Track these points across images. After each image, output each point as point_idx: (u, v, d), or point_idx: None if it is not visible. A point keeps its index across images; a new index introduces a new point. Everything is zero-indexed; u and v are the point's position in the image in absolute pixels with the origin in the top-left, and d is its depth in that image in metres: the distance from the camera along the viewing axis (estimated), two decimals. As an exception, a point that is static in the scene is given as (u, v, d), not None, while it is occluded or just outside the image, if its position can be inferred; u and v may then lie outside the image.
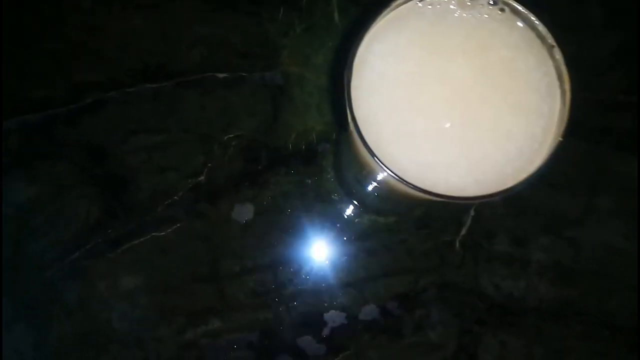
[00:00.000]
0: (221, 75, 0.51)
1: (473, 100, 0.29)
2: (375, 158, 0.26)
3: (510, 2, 0.28)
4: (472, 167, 0.28)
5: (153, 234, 0.49)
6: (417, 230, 0.49)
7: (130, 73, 0.50)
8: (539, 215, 0.49)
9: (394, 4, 0.28)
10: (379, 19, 0.28)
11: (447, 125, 0.28)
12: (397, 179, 0.26)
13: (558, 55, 0.28)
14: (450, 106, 0.29)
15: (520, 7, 0.28)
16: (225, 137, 0.50)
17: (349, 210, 0.49)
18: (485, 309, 0.47)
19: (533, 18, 0.28)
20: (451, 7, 0.29)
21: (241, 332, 0.47)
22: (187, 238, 0.48)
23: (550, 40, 0.28)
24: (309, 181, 0.50)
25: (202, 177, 0.49)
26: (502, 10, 0.29)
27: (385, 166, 0.26)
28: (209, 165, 0.49)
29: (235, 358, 0.46)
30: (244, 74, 0.51)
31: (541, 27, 0.28)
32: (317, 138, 0.50)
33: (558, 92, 0.29)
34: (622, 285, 0.47)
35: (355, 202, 0.49)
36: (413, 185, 0.26)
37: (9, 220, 0.47)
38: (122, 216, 0.49)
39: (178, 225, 0.49)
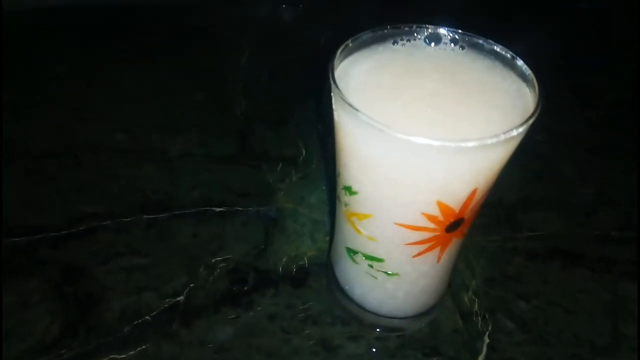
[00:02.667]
0: (218, 209, 0.52)
1: (449, 101, 0.31)
2: (360, 113, 0.26)
3: (469, 38, 0.33)
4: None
5: (112, 356, 0.41)
6: (425, 357, 0.42)
7: (129, 206, 0.52)
8: (562, 344, 0.43)
9: (369, 38, 0.33)
10: (356, 52, 0.33)
11: (429, 110, 0.30)
12: (378, 126, 0.26)
13: (519, 62, 0.31)
14: (428, 103, 0.30)
15: (480, 41, 0.33)
16: (213, 260, 0.48)
17: (344, 334, 0.42)
18: None
19: (495, 48, 0.33)
20: (420, 45, 0.34)
21: None
22: (150, 361, 0.41)
23: (510, 53, 0.32)
24: (299, 303, 0.45)
25: (181, 297, 0.45)
26: (462, 47, 0.34)
27: (366, 115, 0.26)
28: (191, 285, 0.46)
29: None
30: (240, 209, 0.53)
31: (498, 48, 0.32)
32: (308, 262, 0.48)
33: (528, 93, 0.31)
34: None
35: (350, 323, 0.43)
36: (397, 133, 0.25)
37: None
38: (83, 335, 0.42)
39: (143, 347, 0.42)
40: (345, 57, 0.32)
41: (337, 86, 0.28)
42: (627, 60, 0.76)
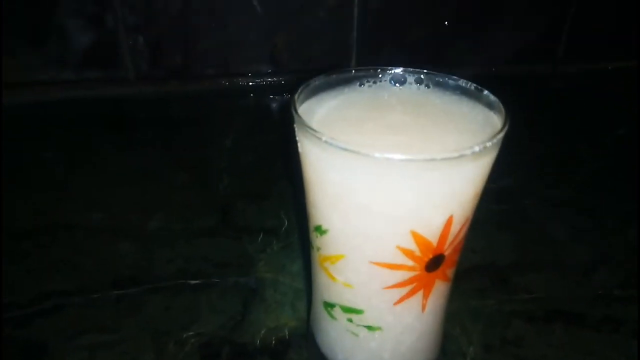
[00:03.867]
0: (193, 282, 0.49)
1: (418, 129, 0.30)
2: (320, 133, 0.26)
3: (433, 77, 0.34)
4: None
5: None
6: None
7: (100, 282, 0.49)
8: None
9: (334, 80, 0.33)
10: (322, 92, 0.33)
11: (397, 137, 0.29)
12: (340, 145, 0.25)
13: (485, 92, 0.31)
14: (396, 132, 0.30)
15: (446, 78, 0.33)
16: (185, 335, 0.44)
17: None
18: None
19: (460, 83, 0.33)
20: (386, 85, 0.34)
21: None
22: None
23: (475, 85, 0.32)
24: (277, 377, 0.40)
25: (146, 376, 0.41)
26: (427, 86, 0.34)
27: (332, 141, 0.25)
28: (159, 363, 0.42)
29: None
30: (217, 280, 0.50)
31: (464, 83, 0.33)
32: (289, 333, 0.44)
33: (496, 119, 0.30)
34: None
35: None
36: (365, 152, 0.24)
37: None
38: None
39: None
40: (310, 96, 0.32)
41: (297, 114, 0.28)
42: (607, 128, 0.78)
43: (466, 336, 0.43)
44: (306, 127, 0.27)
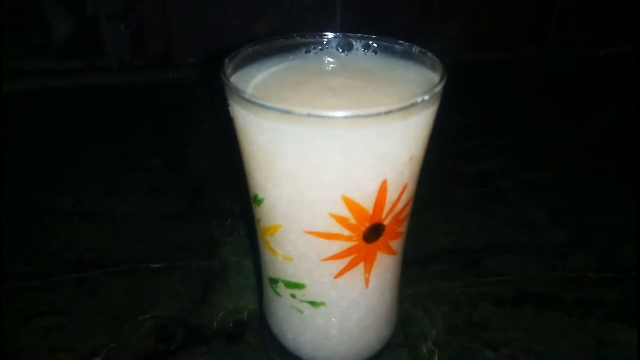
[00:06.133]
0: (155, 266, 0.48)
1: (356, 91, 0.29)
2: (245, 93, 0.24)
3: (380, 43, 0.32)
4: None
5: None
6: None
7: (61, 265, 0.48)
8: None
9: (279, 46, 0.32)
10: (264, 59, 0.32)
11: (334, 99, 0.27)
12: (261, 104, 0.24)
13: (429, 55, 0.30)
14: (334, 94, 0.28)
15: (392, 44, 0.32)
16: (141, 318, 0.43)
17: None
18: None
19: (407, 49, 0.31)
20: (333, 52, 0.33)
21: None
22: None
23: (419, 49, 0.30)
24: (230, 360, 0.39)
25: (98, 358, 0.40)
26: (375, 52, 0.33)
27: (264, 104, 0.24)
28: (112, 345, 0.41)
29: None
30: (180, 264, 0.48)
31: (410, 47, 0.31)
32: (248, 316, 0.43)
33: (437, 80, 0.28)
34: None
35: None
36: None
37: None
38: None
39: (44, 414, 0.36)
40: (251, 62, 0.31)
41: (225, 76, 0.27)
42: (593, 108, 0.76)
43: (429, 318, 0.42)
44: (232, 87, 0.25)
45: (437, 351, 0.39)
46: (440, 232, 0.51)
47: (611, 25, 0.90)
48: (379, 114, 0.23)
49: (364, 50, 0.32)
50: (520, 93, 0.81)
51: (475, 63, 0.86)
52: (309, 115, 0.23)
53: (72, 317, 0.43)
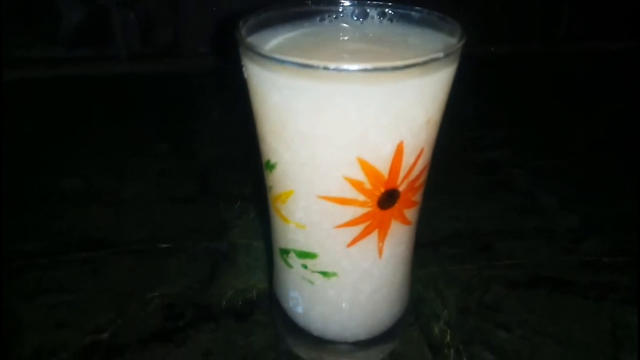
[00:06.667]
0: (163, 246, 0.48)
1: (372, 54, 0.29)
2: (259, 48, 0.24)
3: (397, 10, 0.32)
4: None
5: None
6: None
7: (67, 244, 0.48)
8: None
9: (293, 13, 0.32)
10: (279, 25, 0.31)
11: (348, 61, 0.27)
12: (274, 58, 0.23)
13: (448, 20, 0.29)
14: (349, 57, 0.28)
15: (408, 11, 0.31)
16: (148, 296, 0.42)
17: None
18: None
19: (423, 15, 0.31)
20: (348, 20, 0.33)
21: None
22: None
23: (437, 14, 0.30)
24: (239, 338, 0.39)
25: (104, 334, 0.39)
26: (391, 20, 0.32)
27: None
28: (118, 321, 0.40)
29: None
30: (188, 244, 0.48)
31: (427, 14, 0.31)
32: (257, 295, 0.42)
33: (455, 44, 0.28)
34: None
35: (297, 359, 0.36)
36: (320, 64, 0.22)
37: None
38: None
39: (49, 388, 0.35)
40: (265, 28, 0.30)
41: (240, 34, 0.26)
42: (602, 101, 0.75)
43: (441, 299, 0.41)
44: (247, 44, 0.25)
45: (449, 331, 0.39)
46: (449, 216, 0.51)
47: (621, 20, 0.89)
48: (397, 68, 0.23)
49: (380, 18, 0.32)
50: (529, 86, 0.80)
51: (485, 56, 0.85)
52: (325, 68, 0.23)
53: (78, 294, 0.43)
